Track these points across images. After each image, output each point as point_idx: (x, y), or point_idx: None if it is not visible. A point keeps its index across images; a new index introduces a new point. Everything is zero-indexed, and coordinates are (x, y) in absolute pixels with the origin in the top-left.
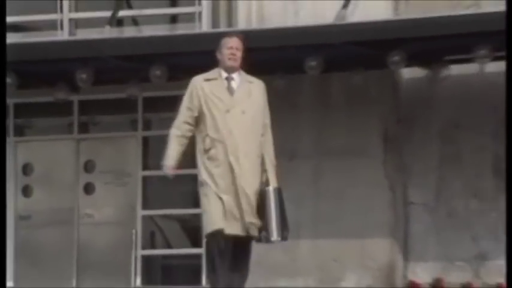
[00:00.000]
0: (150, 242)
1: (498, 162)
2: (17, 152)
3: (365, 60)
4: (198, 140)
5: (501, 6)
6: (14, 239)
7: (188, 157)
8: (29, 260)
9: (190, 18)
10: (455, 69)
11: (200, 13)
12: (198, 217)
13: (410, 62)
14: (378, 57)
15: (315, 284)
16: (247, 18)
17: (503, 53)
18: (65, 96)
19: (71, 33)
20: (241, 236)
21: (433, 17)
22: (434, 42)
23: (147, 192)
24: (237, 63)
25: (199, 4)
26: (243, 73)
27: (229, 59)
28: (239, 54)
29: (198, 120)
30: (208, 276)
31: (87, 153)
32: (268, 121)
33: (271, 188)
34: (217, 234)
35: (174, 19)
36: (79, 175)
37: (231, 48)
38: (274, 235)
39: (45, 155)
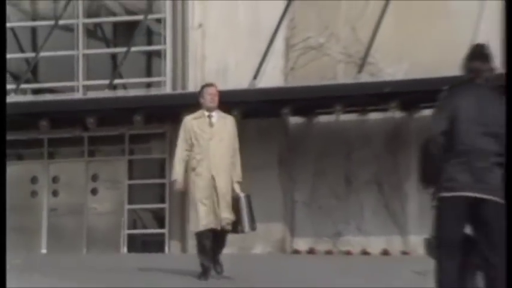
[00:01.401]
0: (132, 225)
1: (349, 176)
2: (49, 169)
3: (268, 112)
4: (189, 163)
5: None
6: (47, 223)
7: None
8: (56, 236)
9: (158, 83)
10: (322, 118)
11: (165, 82)
12: (163, 210)
13: (295, 113)
14: (275, 110)
15: (237, 251)
16: (195, 82)
17: (352, 108)
18: (79, 133)
19: (84, 94)
20: (218, 230)
21: (309, 86)
22: (308, 101)
23: (131, 194)
24: (215, 104)
25: (165, 75)
26: (219, 111)
27: (210, 101)
28: (216, 98)
29: (190, 149)
30: (199, 255)
31: (93, 169)
32: (237, 146)
33: (243, 195)
34: (204, 231)
35: (149, 84)
36: (88, 183)
37: (211, 94)
38: (247, 228)
39: (66, 171)
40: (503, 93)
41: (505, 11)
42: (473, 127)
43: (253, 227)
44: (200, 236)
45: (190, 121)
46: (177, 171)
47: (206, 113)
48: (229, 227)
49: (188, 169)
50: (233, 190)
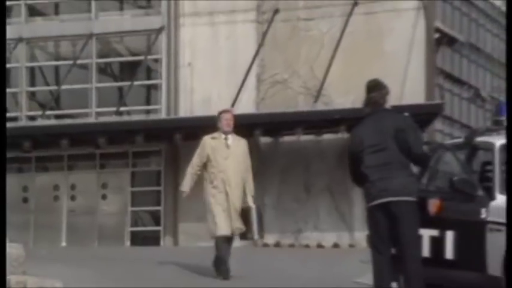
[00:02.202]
0: (134, 223)
1: (308, 185)
2: (68, 179)
3: (243, 133)
4: (206, 176)
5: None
6: (66, 222)
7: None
8: (73, 232)
9: (155, 110)
10: (286, 139)
11: (160, 109)
12: (159, 211)
13: (264, 134)
14: (249, 132)
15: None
16: (185, 110)
17: (310, 130)
18: (92, 150)
19: (96, 118)
20: (229, 236)
21: (275, 113)
22: (275, 125)
23: (133, 198)
24: (230, 128)
25: (160, 104)
26: (234, 134)
27: (226, 126)
28: (232, 123)
29: (206, 164)
30: (216, 257)
31: (103, 179)
32: (249, 164)
33: (254, 206)
34: (221, 237)
35: (147, 111)
36: (99, 190)
37: (227, 120)
38: (256, 235)
39: (82, 180)
40: (398, 112)
41: (506, 11)
42: (370, 148)
43: (261, 235)
44: (218, 241)
45: (209, 141)
46: (187, 183)
47: (223, 136)
48: (239, 235)
49: (206, 182)
50: (246, 202)
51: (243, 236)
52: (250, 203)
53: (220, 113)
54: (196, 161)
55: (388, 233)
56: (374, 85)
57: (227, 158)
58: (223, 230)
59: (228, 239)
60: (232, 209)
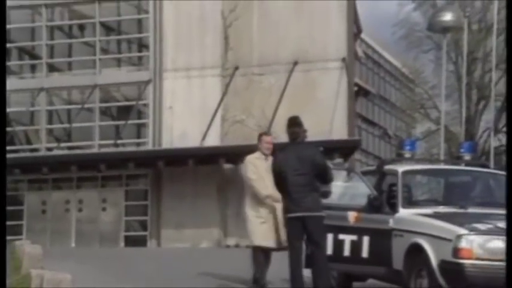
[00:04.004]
0: (127, 229)
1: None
2: (76, 195)
3: (211, 160)
4: (247, 190)
5: None
6: (75, 228)
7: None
8: (80, 236)
9: (144, 143)
10: None
11: (148, 142)
12: (146, 220)
13: (227, 162)
14: (215, 159)
15: (190, 245)
16: (166, 142)
17: None
18: (95, 173)
19: (98, 149)
20: (274, 248)
21: (236, 145)
22: (236, 154)
23: (127, 210)
24: (269, 151)
25: (147, 137)
26: (271, 156)
27: (267, 148)
28: (271, 146)
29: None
30: (253, 263)
31: (103, 195)
32: None
33: None
34: (258, 247)
35: (138, 143)
36: (100, 204)
37: (267, 143)
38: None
39: (87, 196)
40: (313, 145)
41: (506, 11)
42: (292, 172)
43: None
44: (256, 250)
45: (253, 159)
46: (268, 193)
47: (263, 156)
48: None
49: (248, 197)
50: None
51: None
52: None
53: (261, 135)
54: (254, 177)
55: (301, 234)
56: (294, 121)
57: (267, 176)
58: (265, 241)
59: (268, 252)
60: (279, 221)
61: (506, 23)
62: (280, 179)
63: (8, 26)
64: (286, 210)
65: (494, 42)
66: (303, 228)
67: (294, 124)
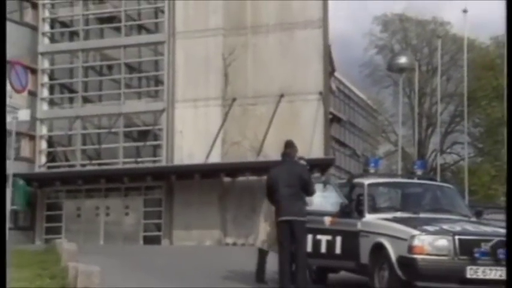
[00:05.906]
0: (145, 230)
1: (254, 207)
2: (105, 203)
3: (213, 175)
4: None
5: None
6: (104, 228)
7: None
8: (108, 235)
9: (160, 160)
10: (240, 178)
11: (162, 159)
12: (160, 223)
13: (227, 176)
14: (217, 174)
15: (196, 243)
16: (177, 160)
17: (255, 173)
18: (120, 185)
19: (122, 165)
20: None
21: (234, 162)
22: (234, 170)
23: (145, 215)
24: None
25: (162, 156)
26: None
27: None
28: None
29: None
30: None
31: (126, 203)
32: None
33: None
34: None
35: (154, 161)
36: (124, 209)
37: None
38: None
39: (113, 203)
40: (301, 164)
41: (506, 11)
42: (283, 184)
43: None
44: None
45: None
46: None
47: None
48: None
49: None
50: None
51: None
52: None
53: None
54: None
55: (289, 235)
56: (289, 144)
57: None
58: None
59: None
60: None
61: (506, 23)
62: (272, 191)
63: (52, 67)
64: (277, 215)
65: (439, 81)
66: (290, 230)
67: (288, 146)
